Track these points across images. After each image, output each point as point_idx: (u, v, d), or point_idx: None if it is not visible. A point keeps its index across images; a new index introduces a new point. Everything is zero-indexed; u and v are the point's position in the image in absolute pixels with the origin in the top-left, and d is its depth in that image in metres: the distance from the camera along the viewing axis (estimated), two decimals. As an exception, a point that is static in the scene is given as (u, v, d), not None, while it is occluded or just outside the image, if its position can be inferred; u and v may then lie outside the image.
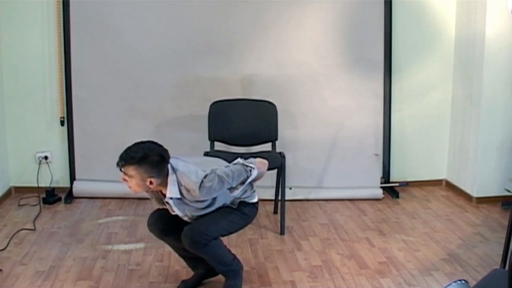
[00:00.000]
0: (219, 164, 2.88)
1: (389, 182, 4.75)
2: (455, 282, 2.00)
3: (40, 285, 3.07)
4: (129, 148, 2.68)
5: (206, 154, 3.88)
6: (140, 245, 3.62)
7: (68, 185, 4.56)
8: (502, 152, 4.41)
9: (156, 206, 2.95)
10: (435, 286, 3.09)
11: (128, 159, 2.64)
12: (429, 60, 4.71)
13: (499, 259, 3.22)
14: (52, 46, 4.41)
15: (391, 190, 4.69)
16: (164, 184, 2.71)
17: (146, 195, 2.92)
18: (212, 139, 4.09)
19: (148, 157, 2.63)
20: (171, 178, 2.70)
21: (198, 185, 2.66)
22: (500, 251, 3.27)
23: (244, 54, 4.46)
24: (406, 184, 4.79)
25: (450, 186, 4.83)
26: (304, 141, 4.54)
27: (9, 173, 4.58)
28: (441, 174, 4.92)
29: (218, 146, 4.13)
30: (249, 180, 2.82)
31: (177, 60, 4.43)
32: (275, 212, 4.21)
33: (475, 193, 4.46)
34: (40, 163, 4.55)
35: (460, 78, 4.64)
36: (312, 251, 3.57)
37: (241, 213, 2.93)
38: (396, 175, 4.82)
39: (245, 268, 3.15)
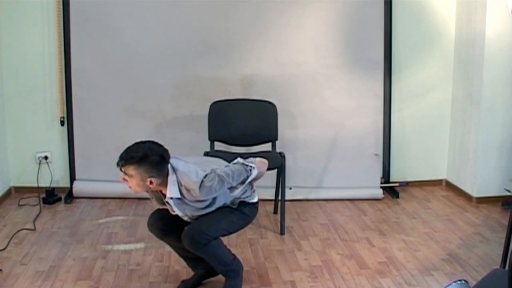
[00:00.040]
0: (219, 164, 2.88)
1: (389, 182, 4.75)
2: (455, 282, 2.00)
3: (40, 285, 3.07)
4: (129, 148, 2.68)
5: (206, 154, 3.88)
6: (140, 245, 3.62)
7: (68, 185, 4.56)
8: (502, 152, 4.41)
9: (156, 206, 2.95)
10: (435, 286, 3.09)
11: (128, 159, 2.64)
12: (429, 60, 4.71)
13: (499, 259, 3.22)
14: (52, 46, 4.41)
15: (391, 190, 4.69)
16: (164, 184, 2.71)
17: (146, 195, 2.92)
18: (212, 139, 4.09)
19: (148, 157, 2.64)
20: (171, 178, 2.70)
21: (198, 184, 2.66)
22: (500, 251, 3.27)
23: (244, 54, 4.46)
24: (406, 184, 4.79)
25: (450, 186, 4.83)
26: (304, 141, 4.54)
27: (9, 173, 4.58)
28: (441, 174, 4.92)
29: (218, 146, 4.13)
30: (249, 179, 2.82)
31: (177, 60, 4.43)
32: (275, 212, 4.21)
33: (475, 193, 4.46)
34: (40, 163, 4.55)
35: (460, 78, 4.65)
36: (312, 251, 3.57)
37: (241, 213, 2.93)
38: (396, 175, 4.82)
39: (245, 268, 3.15)
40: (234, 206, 2.91)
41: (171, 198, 2.74)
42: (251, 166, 2.82)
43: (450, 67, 4.73)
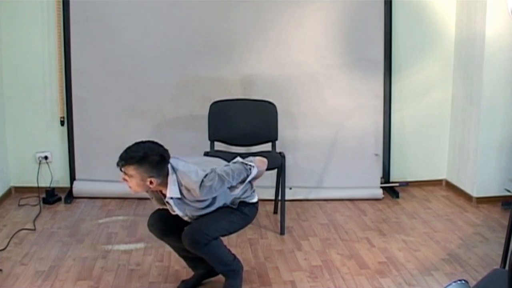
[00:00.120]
0: (219, 164, 2.88)
1: (389, 182, 4.75)
2: (455, 282, 2.00)
3: (40, 285, 3.07)
4: (129, 148, 2.69)
5: (206, 154, 3.88)
6: (140, 245, 3.62)
7: (68, 185, 4.56)
8: (502, 152, 4.41)
9: (156, 206, 2.95)
10: (435, 286, 3.09)
11: (128, 159, 2.64)
12: (429, 60, 4.71)
13: (499, 259, 3.22)
14: (52, 46, 4.41)
15: (391, 190, 4.69)
16: (164, 184, 2.71)
17: (146, 195, 2.92)
18: (212, 139, 4.09)
19: (148, 157, 2.64)
20: (171, 178, 2.70)
21: (198, 184, 2.66)
22: (500, 251, 3.27)
23: (244, 54, 4.46)
24: (406, 184, 4.79)
25: (450, 186, 4.83)
26: (304, 141, 4.54)
27: (9, 173, 4.58)
28: (441, 174, 4.92)
29: (218, 146, 4.13)
30: (249, 178, 2.82)
31: (177, 60, 4.43)
32: (275, 212, 4.21)
33: (475, 193, 4.46)
34: (40, 163, 4.55)
35: (460, 78, 4.65)
36: (312, 251, 3.57)
37: (241, 213, 2.93)
38: (396, 175, 4.82)
39: (245, 268, 3.15)
40: (234, 206, 2.91)
41: (171, 198, 2.74)
42: (250, 165, 2.82)
43: (450, 67, 4.73)
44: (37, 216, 4.10)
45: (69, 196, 4.47)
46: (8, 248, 3.53)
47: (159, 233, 2.97)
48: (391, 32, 4.56)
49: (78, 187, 4.50)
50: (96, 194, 4.48)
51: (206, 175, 2.70)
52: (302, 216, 4.20)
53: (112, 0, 4.33)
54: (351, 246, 3.65)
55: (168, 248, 3.21)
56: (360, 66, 4.53)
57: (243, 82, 4.48)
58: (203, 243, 2.78)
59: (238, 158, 2.88)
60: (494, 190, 4.42)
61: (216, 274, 3.04)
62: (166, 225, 2.93)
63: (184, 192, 2.72)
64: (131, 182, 2.68)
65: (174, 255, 3.20)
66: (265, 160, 2.93)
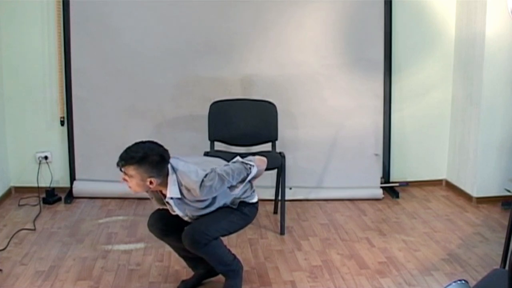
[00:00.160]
0: (219, 164, 2.88)
1: (389, 182, 4.75)
2: (455, 282, 2.00)
3: (40, 285, 3.07)
4: (129, 148, 2.68)
5: (206, 154, 3.88)
6: (140, 245, 3.62)
7: (68, 185, 4.56)
8: (502, 152, 4.41)
9: (156, 206, 2.95)
10: (435, 286, 3.09)
11: (128, 159, 2.64)
12: (429, 60, 4.71)
13: (499, 259, 3.22)
14: (52, 46, 4.41)
15: (391, 190, 4.69)
16: (164, 184, 2.71)
17: (146, 195, 2.92)
18: (212, 139, 4.09)
19: (148, 157, 2.64)
20: (171, 178, 2.70)
21: (198, 184, 2.66)
22: (500, 251, 3.27)
23: (244, 54, 4.46)
24: (406, 184, 4.79)
25: (450, 186, 4.83)
26: (304, 141, 4.54)
27: (9, 173, 4.58)
28: (441, 174, 4.92)
29: (218, 146, 4.13)
30: (249, 177, 2.82)
31: (177, 60, 4.43)
32: (275, 212, 4.21)
33: (475, 193, 4.46)
34: (40, 163, 4.55)
35: (460, 78, 4.65)
36: (312, 251, 3.57)
37: (241, 213, 2.93)
38: (396, 175, 4.82)
39: (245, 268, 3.15)
40: (234, 206, 2.91)
41: (171, 198, 2.74)
42: (250, 164, 2.82)
43: (450, 67, 4.73)
44: (37, 216, 4.10)
45: (69, 196, 4.47)
46: (8, 248, 3.53)
47: (159, 233, 2.97)
48: (391, 32, 4.56)
49: (78, 187, 4.50)
50: (96, 194, 4.48)
51: (206, 175, 2.70)
52: (302, 216, 4.20)
53: (112, 0, 4.34)
54: (351, 246, 3.65)
55: (168, 248, 3.21)
56: (360, 66, 4.53)
57: (243, 82, 4.48)
58: (203, 243, 2.78)
59: (238, 158, 2.88)
60: (494, 190, 4.42)
61: (216, 274, 3.04)
62: (166, 225, 2.93)
63: (184, 192, 2.72)
64: (131, 182, 2.68)
65: (174, 255, 3.20)
66: (264, 159, 2.94)
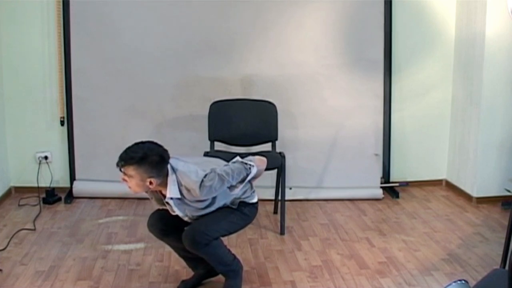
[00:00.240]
0: (219, 164, 2.88)
1: (389, 182, 4.75)
2: (455, 282, 2.00)
3: (40, 285, 3.07)
4: (129, 148, 2.69)
5: (206, 154, 3.88)
6: (140, 245, 3.63)
7: (68, 185, 4.56)
8: (502, 152, 4.41)
9: (156, 206, 2.95)
10: (435, 286, 3.09)
11: (127, 159, 2.64)
12: (429, 60, 4.71)
13: (499, 259, 3.22)
14: (52, 46, 4.41)
15: (391, 190, 4.69)
16: (164, 184, 2.71)
17: (146, 195, 2.91)
18: (212, 139, 4.09)
19: (148, 157, 2.64)
20: (171, 178, 2.70)
21: (198, 184, 2.66)
22: (500, 251, 3.27)
23: (244, 54, 4.46)
24: (406, 184, 4.79)
25: (450, 186, 4.83)
26: (304, 141, 4.54)
27: (9, 173, 4.58)
28: (441, 174, 4.92)
29: (218, 146, 4.13)
30: (249, 177, 2.82)
31: (177, 60, 4.43)
32: (275, 212, 4.21)
33: (475, 193, 4.46)
34: (40, 163, 4.55)
35: (460, 78, 4.65)
36: (312, 251, 3.57)
37: (241, 213, 2.93)
38: (396, 175, 4.82)
39: (245, 268, 3.15)
40: (234, 206, 2.91)
41: (171, 198, 2.74)
42: (250, 164, 2.82)
43: (450, 67, 4.73)
44: (37, 216, 4.10)
45: (69, 196, 4.47)
46: (8, 248, 3.53)
47: (159, 233, 2.97)
48: (391, 32, 4.56)
49: (78, 187, 4.50)
50: (96, 194, 4.48)
51: (206, 175, 2.70)
52: (302, 216, 4.20)
53: (112, 0, 4.34)
54: (351, 246, 3.65)
55: (168, 248, 3.21)
56: (360, 66, 4.53)
57: (243, 82, 4.48)
58: (203, 244, 2.78)
59: (238, 158, 2.88)
60: (494, 190, 4.42)
61: (216, 274, 3.04)
62: (166, 225, 2.93)
63: (184, 192, 2.72)
64: (131, 183, 2.68)
65: (174, 255, 3.20)
66: (264, 159, 2.94)
